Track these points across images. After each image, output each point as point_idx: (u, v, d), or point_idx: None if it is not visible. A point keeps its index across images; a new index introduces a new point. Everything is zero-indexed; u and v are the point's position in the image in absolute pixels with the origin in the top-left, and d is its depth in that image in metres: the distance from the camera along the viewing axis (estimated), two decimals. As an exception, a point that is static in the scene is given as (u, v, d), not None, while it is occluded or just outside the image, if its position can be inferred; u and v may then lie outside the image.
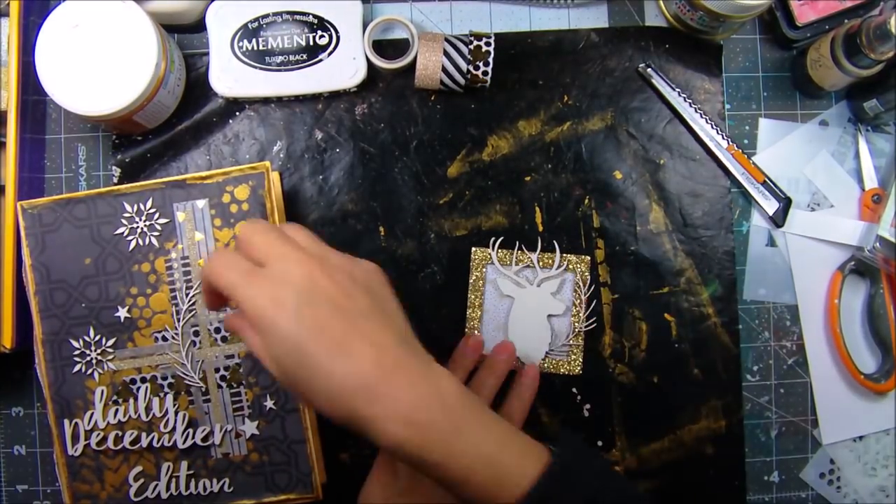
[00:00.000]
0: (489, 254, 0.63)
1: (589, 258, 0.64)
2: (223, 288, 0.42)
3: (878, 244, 0.63)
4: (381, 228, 0.64)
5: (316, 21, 0.64)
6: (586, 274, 0.63)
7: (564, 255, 0.63)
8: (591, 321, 0.63)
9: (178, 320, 0.58)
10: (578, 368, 0.63)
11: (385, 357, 0.41)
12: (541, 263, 0.63)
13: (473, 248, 0.63)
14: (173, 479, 0.58)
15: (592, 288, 0.64)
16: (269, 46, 0.63)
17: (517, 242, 0.64)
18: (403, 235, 0.64)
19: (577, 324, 0.63)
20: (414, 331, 0.45)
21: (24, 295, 0.59)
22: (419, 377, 0.42)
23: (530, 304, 0.63)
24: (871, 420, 0.65)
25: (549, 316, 0.63)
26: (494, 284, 0.63)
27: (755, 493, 0.65)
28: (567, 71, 0.66)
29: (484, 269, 0.63)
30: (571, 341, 0.63)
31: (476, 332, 0.63)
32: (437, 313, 0.64)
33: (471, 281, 0.63)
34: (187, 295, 0.58)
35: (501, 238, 0.64)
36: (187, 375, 0.58)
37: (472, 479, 0.42)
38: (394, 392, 0.40)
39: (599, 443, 0.64)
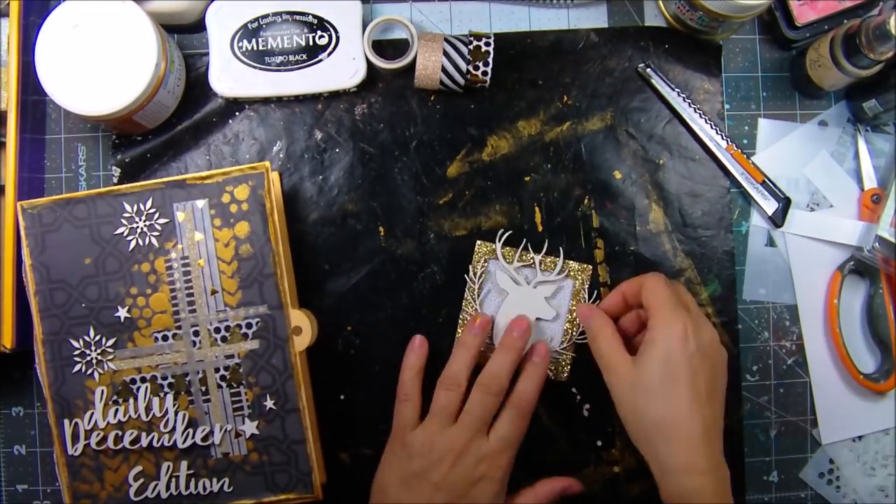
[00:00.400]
0: (493, 248, 0.63)
1: (590, 267, 0.64)
2: (656, 297, 0.54)
3: (877, 244, 0.63)
4: (381, 228, 0.65)
5: (316, 21, 0.64)
6: (586, 283, 0.63)
7: (567, 261, 0.63)
8: (584, 335, 0.63)
9: (178, 320, 0.58)
10: (565, 375, 0.63)
11: (713, 430, 0.51)
12: (542, 266, 0.63)
13: (479, 242, 0.63)
14: (173, 479, 0.58)
15: (596, 299, 0.64)
16: (269, 46, 0.63)
17: (524, 240, 0.64)
18: (403, 235, 0.64)
19: (571, 332, 0.63)
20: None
21: (24, 295, 0.59)
22: (720, 456, 0.51)
23: (522, 303, 0.63)
24: (871, 420, 0.65)
25: (538, 319, 0.63)
26: (493, 278, 0.63)
27: (754, 493, 0.65)
28: (567, 71, 0.66)
29: (486, 263, 0.63)
30: (562, 349, 0.63)
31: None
32: (437, 313, 0.64)
33: (470, 273, 0.63)
34: (187, 295, 0.58)
35: (510, 232, 0.64)
36: (187, 375, 0.58)
37: None
38: (705, 453, 0.50)
39: (599, 443, 0.64)
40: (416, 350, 0.61)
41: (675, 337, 0.51)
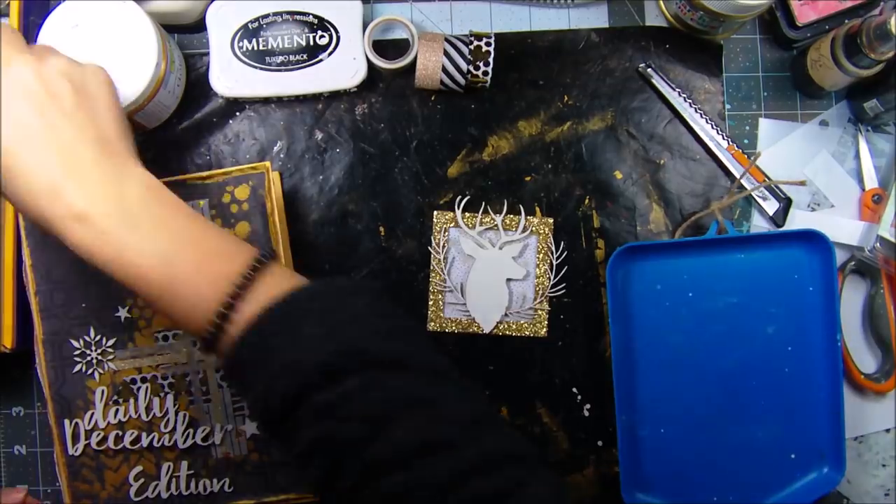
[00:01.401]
0: (452, 216, 0.63)
1: (552, 220, 0.64)
2: None
3: (878, 244, 0.63)
4: (381, 228, 0.64)
5: (316, 21, 0.64)
6: (550, 235, 0.63)
7: (529, 217, 0.64)
8: (559, 287, 0.63)
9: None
10: (544, 331, 0.63)
11: (73, 156, 0.41)
12: (504, 226, 0.63)
13: (436, 212, 0.64)
14: (174, 479, 0.58)
15: (565, 254, 0.64)
16: (270, 46, 0.63)
17: (483, 203, 0.64)
18: (404, 235, 0.64)
19: (541, 287, 0.63)
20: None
21: (25, 295, 0.59)
22: (105, 176, 0.42)
23: (490, 266, 0.63)
24: (871, 420, 0.65)
25: (509, 280, 0.63)
26: (458, 245, 0.64)
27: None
28: (567, 71, 0.66)
29: (447, 232, 0.64)
30: (537, 305, 0.63)
31: (439, 293, 0.63)
32: (437, 313, 0.64)
33: (433, 244, 0.63)
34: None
35: (468, 198, 0.64)
36: (187, 375, 0.58)
37: (146, 281, 0.41)
38: (75, 191, 0.41)
39: (599, 443, 0.64)
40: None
41: None
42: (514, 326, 0.63)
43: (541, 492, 0.38)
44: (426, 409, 0.39)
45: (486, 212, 0.64)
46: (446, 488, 0.36)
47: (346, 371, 0.39)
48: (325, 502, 0.41)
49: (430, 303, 0.63)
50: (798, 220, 0.65)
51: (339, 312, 0.41)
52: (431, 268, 0.64)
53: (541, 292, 0.63)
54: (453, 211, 0.64)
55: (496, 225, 0.63)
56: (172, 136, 0.65)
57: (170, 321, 0.42)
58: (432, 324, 0.63)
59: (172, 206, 0.44)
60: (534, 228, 0.64)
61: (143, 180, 0.43)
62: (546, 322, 0.64)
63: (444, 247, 0.63)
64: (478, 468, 0.37)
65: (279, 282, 0.43)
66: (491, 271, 0.63)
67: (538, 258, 0.64)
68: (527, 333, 0.63)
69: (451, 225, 0.64)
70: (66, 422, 0.58)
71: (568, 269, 0.64)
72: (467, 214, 0.64)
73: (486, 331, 0.63)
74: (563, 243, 0.64)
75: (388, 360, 0.40)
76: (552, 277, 0.64)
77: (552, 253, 0.64)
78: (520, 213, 0.64)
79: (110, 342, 0.58)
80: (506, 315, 0.63)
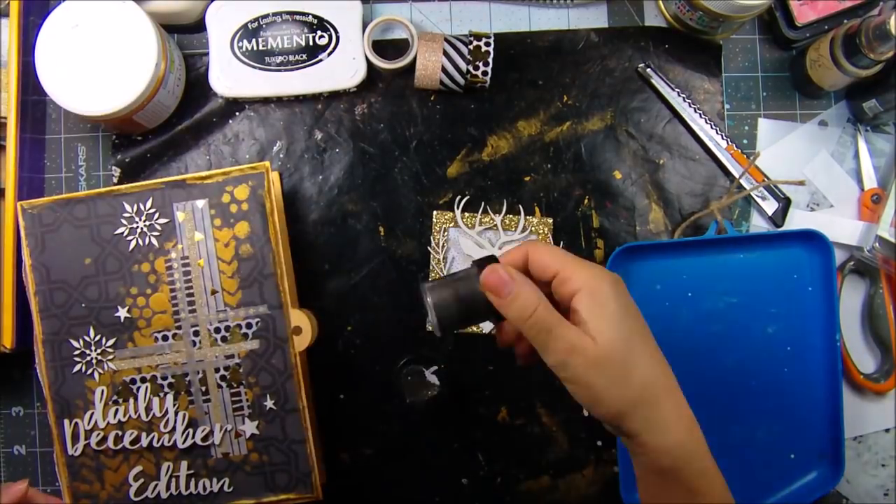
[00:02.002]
0: (452, 216, 0.63)
1: (551, 220, 0.64)
2: (558, 259, 0.44)
3: (877, 244, 0.63)
4: (381, 228, 0.64)
5: (316, 21, 0.64)
6: (549, 235, 0.63)
7: (528, 217, 0.64)
8: None
9: (178, 320, 0.58)
10: None
11: (668, 371, 0.44)
12: (504, 226, 0.63)
13: (435, 212, 0.64)
14: (173, 479, 0.58)
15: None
16: (269, 46, 0.63)
17: (482, 203, 0.64)
18: (403, 235, 0.64)
19: None
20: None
21: (24, 295, 0.59)
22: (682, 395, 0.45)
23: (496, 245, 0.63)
24: (871, 420, 0.65)
25: None
26: (457, 245, 0.64)
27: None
28: (567, 71, 0.66)
29: (447, 232, 0.64)
30: None
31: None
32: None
33: (432, 244, 0.63)
34: (187, 295, 0.58)
35: (467, 198, 0.64)
36: (187, 375, 0.58)
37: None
38: (674, 402, 0.43)
39: (599, 443, 0.64)
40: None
41: (608, 289, 0.43)
42: None
43: None
44: None
45: (485, 212, 0.64)
46: None
47: None
48: None
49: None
50: (797, 220, 0.65)
51: None
52: (431, 268, 0.64)
53: None
54: (453, 211, 0.64)
55: (495, 225, 0.63)
56: (172, 136, 0.65)
57: None
58: (430, 325, 0.63)
59: None
60: (533, 228, 0.64)
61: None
62: None
63: (443, 247, 0.63)
64: None
65: None
66: None
67: None
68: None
69: (451, 225, 0.64)
70: (66, 422, 0.58)
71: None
72: (467, 214, 0.64)
73: (486, 331, 0.63)
74: (562, 243, 0.64)
75: None
76: None
77: None
78: (519, 213, 0.64)
79: (110, 342, 0.58)
80: None
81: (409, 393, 0.59)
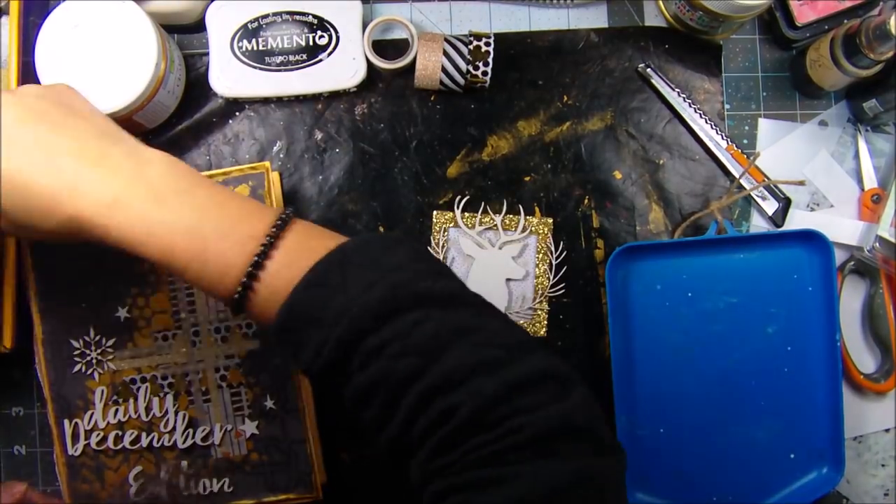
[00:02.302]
0: (452, 215, 0.64)
1: (551, 220, 0.64)
2: None
3: (877, 244, 0.63)
4: (382, 228, 0.64)
5: (316, 21, 0.64)
6: (549, 235, 0.63)
7: (529, 217, 0.64)
8: (559, 287, 0.64)
9: (178, 320, 0.58)
10: (543, 331, 0.64)
11: (85, 154, 0.42)
12: (504, 226, 0.64)
13: (435, 212, 0.64)
14: (174, 479, 0.58)
15: (564, 254, 0.64)
16: (269, 46, 0.63)
17: (482, 203, 0.64)
18: (404, 235, 0.64)
19: (540, 287, 0.63)
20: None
21: (25, 295, 0.59)
22: (123, 161, 0.43)
23: (490, 266, 0.63)
24: (871, 420, 0.65)
25: (508, 280, 0.63)
26: (457, 245, 0.64)
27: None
28: (567, 71, 0.66)
29: (447, 232, 0.64)
30: (536, 305, 0.63)
31: None
32: (436, 313, 0.64)
33: (432, 244, 0.64)
34: (187, 295, 0.58)
35: (467, 198, 0.64)
36: (187, 375, 0.58)
37: (176, 254, 0.42)
38: (100, 182, 0.42)
39: (599, 443, 0.64)
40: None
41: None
42: None
43: (575, 401, 0.39)
44: (475, 335, 0.40)
45: (485, 212, 0.64)
46: (491, 403, 0.38)
47: (400, 310, 0.40)
48: (382, 447, 0.42)
49: None
50: (797, 221, 0.65)
51: (384, 259, 0.42)
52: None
53: (540, 292, 0.63)
54: (453, 211, 0.64)
55: (495, 225, 0.63)
56: (172, 136, 0.65)
57: (203, 289, 0.43)
58: None
59: (192, 177, 0.44)
60: (533, 228, 0.64)
61: (160, 157, 0.44)
62: (545, 322, 0.64)
63: (443, 247, 0.63)
64: (520, 385, 0.39)
65: (307, 238, 0.43)
66: (490, 271, 0.63)
67: (537, 258, 0.64)
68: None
69: (451, 225, 0.64)
70: (66, 422, 0.58)
71: (567, 269, 0.64)
72: (467, 214, 0.64)
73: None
74: (562, 243, 0.64)
75: (439, 295, 0.41)
76: (551, 277, 0.64)
77: (552, 253, 0.64)
78: (519, 213, 0.64)
79: (110, 342, 0.58)
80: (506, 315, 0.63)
81: None
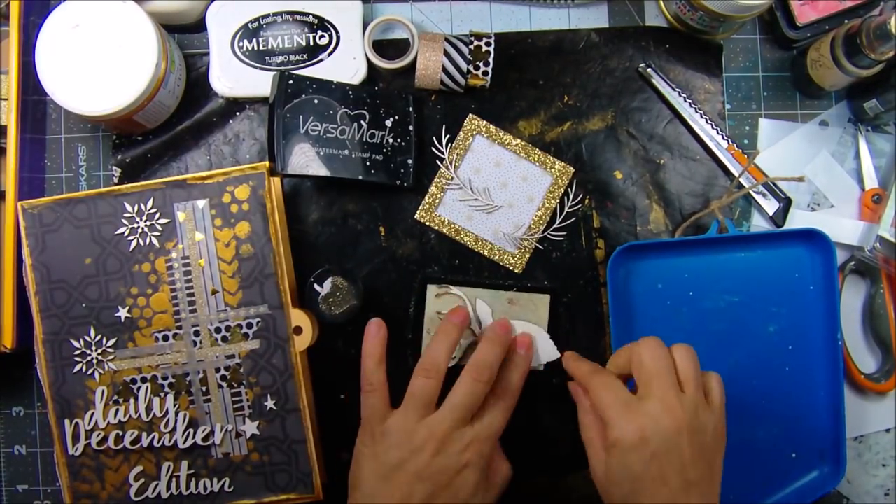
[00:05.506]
0: (484, 124, 0.64)
1: (573, 170, 0.64)
2: (595, 402, 0.52)
3: (878, 244, 0.63)
4: (382, 228, 0.64)
5: (316, 21, 0.64)
6: (563, 180, 0.64)
7: (553, 158, 0.64)
8: (558, 234, 0.64)
9: (179, 320, 0.58)
10: (520, 269, 0.64)
11: None
12: (524, 151, 0.64)
13: (470, 115, 0.64)
14: (174, 479, 0.58)
15: (578, 207, 0.64)
16: (270, 46, 0.63)
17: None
18: (404, 235, 0.64)
19: (539, 222, 0.63)
20: None
21: (25, 295, 0.59)
22: None
23: (513, 165, 0.64)
24: (871, 420, 0.65)
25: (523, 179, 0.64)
26: (483, 152, 0.64)
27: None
28: (567, 71, 0.66)
29: (472, 138, 0.64)
30: (528, 237, 0.63)
31: (442, 189, 0.63)
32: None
33: (459, 139, 0.64)
34: (188, 295, 0.58)
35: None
36: (188, 375, 0.58)
37: None
38: None
39: (600, 442, 0.64)
40: (375, 336, 0.57)
41: (626, 440, 0.49)
42: (495, 250, 0.63)
43: None
44: None
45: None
46: None
47: None
48: None
49: (427, 196, 0.64)
50: (798, 220, 0.65)
51: None
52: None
53: (536, 230, 0.63)
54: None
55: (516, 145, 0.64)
56: (173, 136, 0.65)
57: None
58: (421, 213, 0.64)
59: None
60: (553, 169, 0.64)
61: None
62: (524, 262, 0.64)
63: (469, 142, 0.63)
64: None
65: None
66: (513, 171, 0.64)
67: (547, 194, 0.64)
68: (503, 262, 0.63)
69: (479, 132, 0.64)
70: (66, 422, 0.58)
71: (568, 268, 0.64)
72: (493, 129, 0.64)
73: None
74: (562, 243, 0.64)
75: None
76: (560, 219, 0.64)
77: (568, 198, 0.64)
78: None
79: (110, 342, 0.58)
80: (505, 234, 0.64)
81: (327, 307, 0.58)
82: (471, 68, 0.62)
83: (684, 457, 0.48)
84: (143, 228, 0.58)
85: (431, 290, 0.63)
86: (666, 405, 0.49)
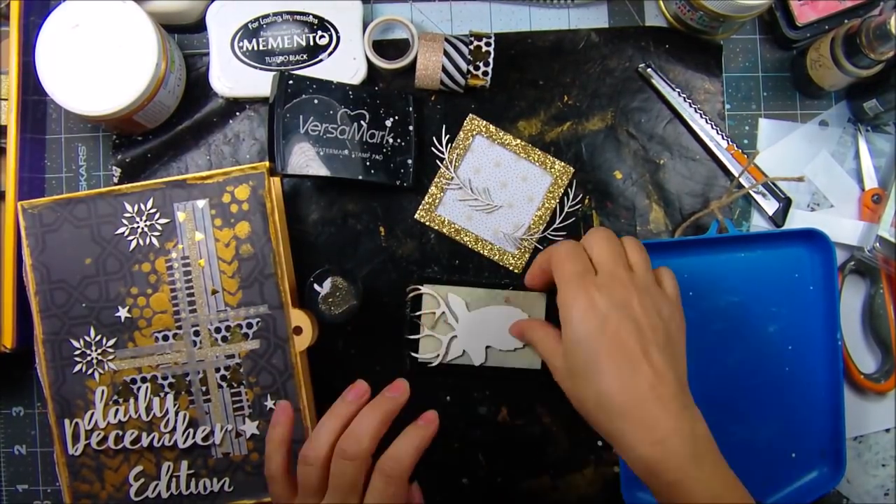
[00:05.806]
0: (484, 124, 0.64)
1: (573, 170, 0.64)
2: (558, 274, 0.50)
3: (877, 244, 0.63)
4: (382, 228, 0.64)
5: (316, 21, 0.64)
6: (563, 180, 0.64)
7: (555, 160, 0.64)
8: (558, 234, 0.64)
9: (179, 320, 0.58)
10: (520, 269, 0.64)
11: (661, 387, 0.47)
12: (523, 151, 0.64)
13: (470, 115, 0.64)
14: (174, 479, 0.58)
15: (578, 207, 0.64)
16: (270, 46, 0.63)
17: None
18: (404, 235, 0.64)
19: (539, 222, 0.63)
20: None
21: (25, 295, 0.59)
22: (681, 411, 0.47)
23: (513, 165, 0.64)
24: (871, 420, 0.65)
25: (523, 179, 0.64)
26: (482, 153, 0.64)
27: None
28: (567, 71, 0.66)
29: (472, 139, 0.64)
30: (528, 237, 0.63)
31: (442, 189, 0.64)
32: (437, 313, 0.64)
33: (459, 139, 0.64)
34: (188, 295, 0.58)
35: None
36: (188, 375, 0.58)
37: None
38: (659, 418, 0.46)
39: (599, 443, 0.64)
40: (281, 423, 0.53)
41: (577, 315, 0.48)
42: (495, 250, 0.63)
43: None
44: None
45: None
46: None
47: None
48: None
49: (427, 196, 0.64)
50: (798, 220, 0.65)
51: None
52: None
53: (535, 230, 0.63)
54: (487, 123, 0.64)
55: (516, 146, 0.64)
56: (173, 136, 0.65)
57: None
58: (421, 213, 0.64)
59: (718, 452, 0.48)
60: (553, 169, 0.64)
61: (704, 423, 0.48)
62: (524, 263, 0.64)
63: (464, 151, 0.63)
64: None
65: None
66: (513, 170, 0.64)
67: (547, 194, 0.64)
68: (503, 262, 0.63)
69: (479, 133, 0.64)
70: (66, 422, 0.58)
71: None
72: (493, 129, 0.64)
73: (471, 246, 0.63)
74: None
75: None
76: (559, 219, 0.64)
77: (568, 197, 0.64)
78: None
79: (110, 342, 0.58)
80: (506, 234, 0.64)
81: (327, 307, 0.57)
82: (471, 68, 0.62)
83: (640, 322, 0.48)
84: (143, 228, 0.58)
85: (427, 289, 0.63)
86: (616, 278, 0.49)
